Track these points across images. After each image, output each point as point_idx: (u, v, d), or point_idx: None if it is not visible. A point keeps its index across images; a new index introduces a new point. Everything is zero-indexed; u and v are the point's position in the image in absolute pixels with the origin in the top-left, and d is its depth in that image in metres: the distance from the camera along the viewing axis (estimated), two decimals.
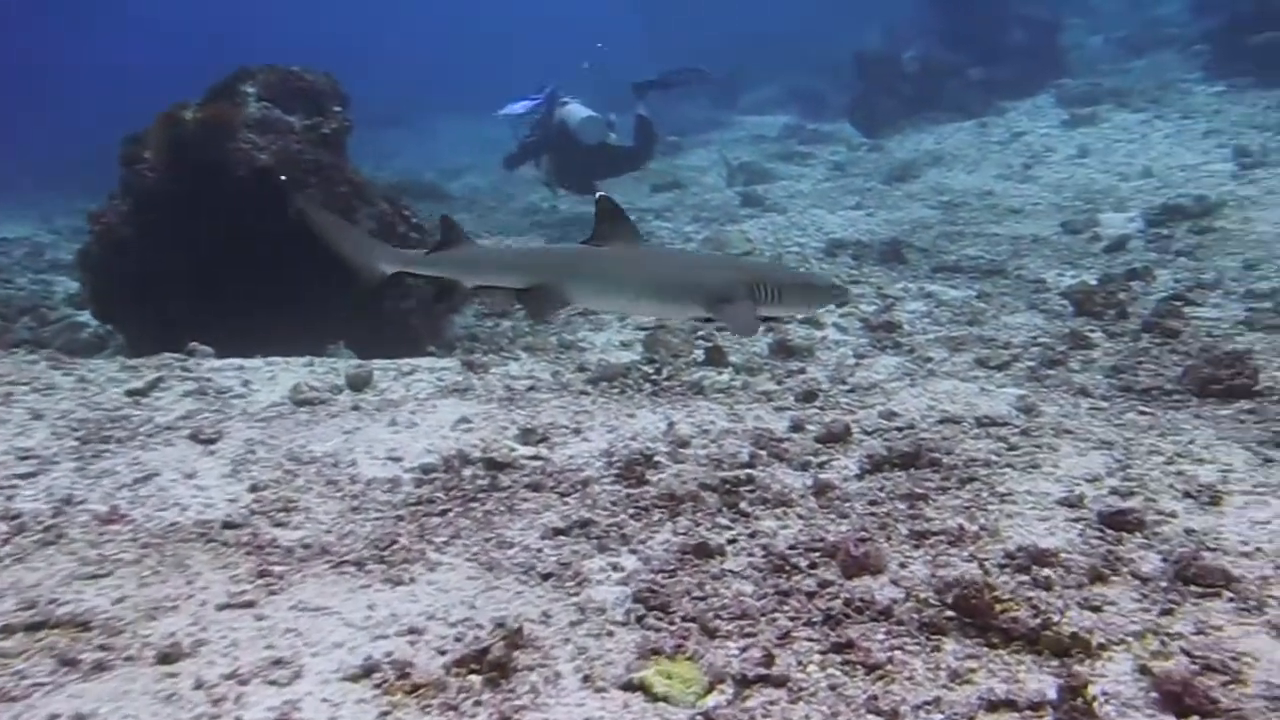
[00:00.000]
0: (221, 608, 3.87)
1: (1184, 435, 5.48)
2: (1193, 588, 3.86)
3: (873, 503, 4.93)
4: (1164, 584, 3.90)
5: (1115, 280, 8.81)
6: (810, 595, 4.03)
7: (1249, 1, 16.96)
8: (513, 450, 5.68)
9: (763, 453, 5.67)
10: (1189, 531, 4.35)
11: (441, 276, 5.28)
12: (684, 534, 4.66)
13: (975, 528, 4.53)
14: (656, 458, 5.62)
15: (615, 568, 4.35)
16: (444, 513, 4.89)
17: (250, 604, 3.90)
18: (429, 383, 6.98)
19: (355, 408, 6.33)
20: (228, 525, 4.63)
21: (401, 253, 5.53)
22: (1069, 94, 17.01)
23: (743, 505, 4.96)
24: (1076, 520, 4.56)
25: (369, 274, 5.37)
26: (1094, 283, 8.80)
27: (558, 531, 4.70)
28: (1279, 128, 13.11)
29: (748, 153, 18.62)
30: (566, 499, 5.10)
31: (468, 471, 5.39)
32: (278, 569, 4.20)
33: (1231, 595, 3.80)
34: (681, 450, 5.78)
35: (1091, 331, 7.57)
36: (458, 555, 4.44)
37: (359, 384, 6.78)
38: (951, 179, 13.90)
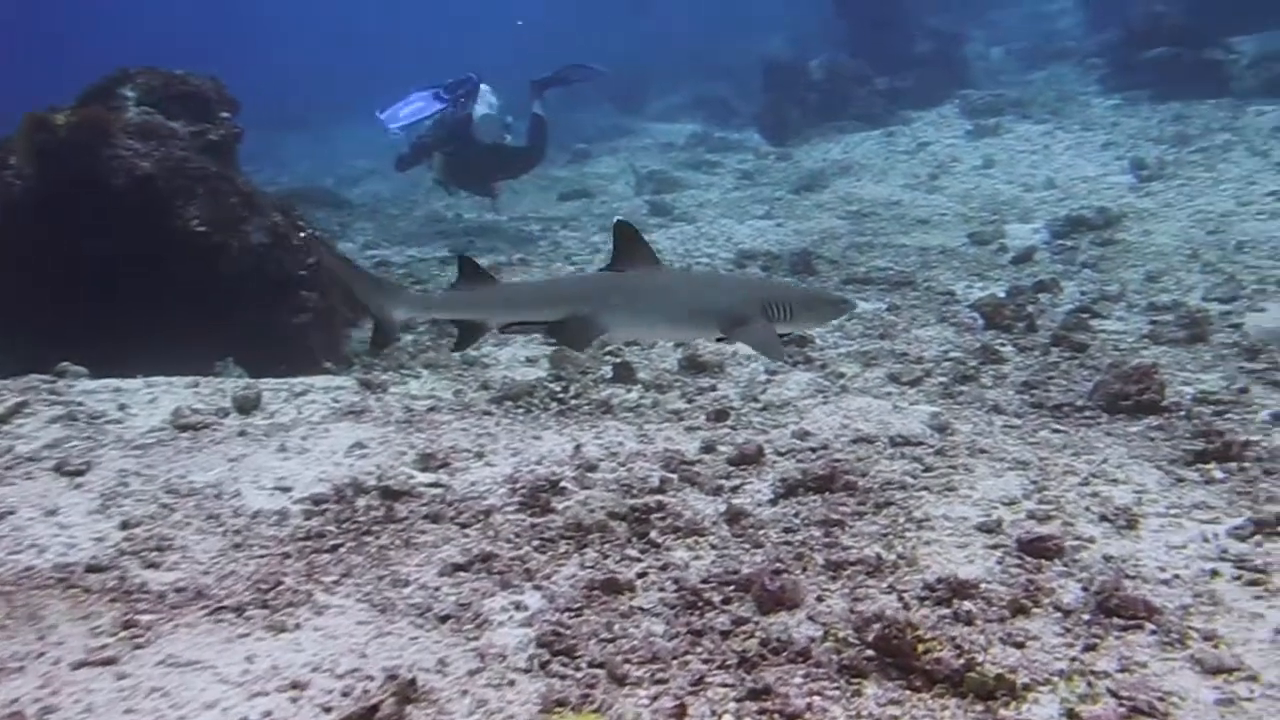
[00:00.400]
0: (77, 666, 3.50)
1: (1097, 454, 5.42)
2: (1115, 620, 3.74)
3: (787, 530, 4.76)
4: (1086, 616, 3.78)
5: (1024, 292, 8.82)
6: (725, 634, 3.82)
7: (1141, 18, 17.40)
8: (410, 477, 5.38)
9: (673, 477, 5.47)
10: (1107, 558, 4.25)
11: (467, 319, 5.06)
12: (592, 567, 4.44)
13: (893, 556, 4.38)
14: (563, 483, 5.38)
15: (518, 607, 4.09)
16: (335, 548, 4.57)
17: (111, 661, 3.54)
18: (323, 404, 6.61)
19: (242, 433, 5.95)
20: (92, 569, 4.24)
21: (421, 296, 5.41)
22: (972, 104, 17.20)
23: (653, 535, 4.75)
24: (995, 547, 4.43)
25: (388, 320, 5.17)
26: (1003, 295, 8.80)
27: (457, 567, 4.43)
28: (1173, 141, 13.38)
29: (656, 161, 18.45)
30: (467, 530, 4.83)
31: (362, 502, 5.08)
32: (146, 618, 3.83)
33: (1154, 627, 3.69)
34: (589, 475, 5.55)
35: (1002, 345, 7.53)
36: (348, 596, 4.13)
37: (247, 406, 6.38)
38: (860, 189, 13.90)
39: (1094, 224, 10.30)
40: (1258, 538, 4.35)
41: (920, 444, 5.76)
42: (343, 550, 4.55)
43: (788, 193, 14.31)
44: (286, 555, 4.46)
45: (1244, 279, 8.48)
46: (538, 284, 5.24)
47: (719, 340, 5.22)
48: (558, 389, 7.15)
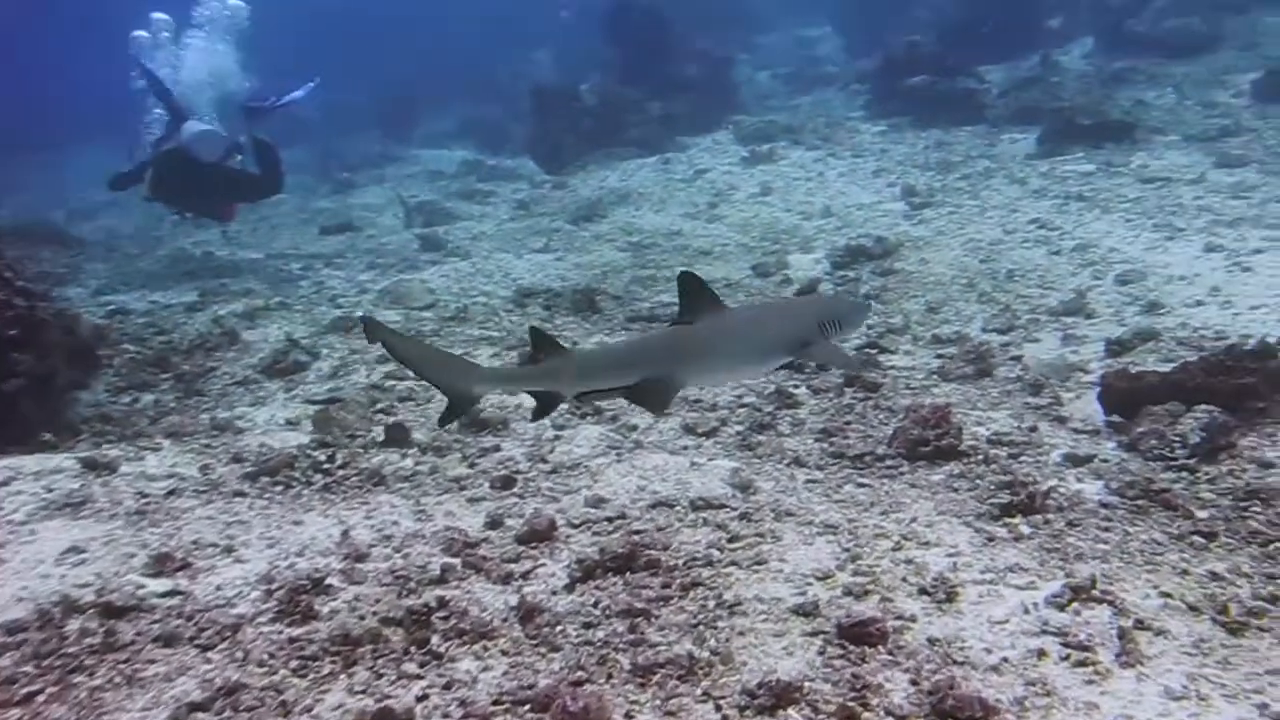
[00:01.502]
0: None
1: (905, 512, 5.17)
2: None
3: (587, 625, 4.26)
4: None
5: None
6: None
7: (899, 46, 17.98)
8: (140, 587, 4.57)
9: (456, 563, 4.90)
10: (932, 641, 3.95)
11: (543, 390, 4.82)
12: (362, 692, 3.81)
13: (706, 654, 3.94)
14: (328, 580, 4.72)
15: None
16: (29, 698, 3.74)
17: None
18: (32, 495, 5.60)
19: None
20: None
21: (496, 371, 5.14)
22: (746, 131, 17.24)
23: (435, 642, 4.17)
24: (814, 634, 4.07)
25: (464, 399, 4.88)
26: None
27: (195, 707, 3.71)
28: (939, 168, 13.71)
29: (426, 190, 17.54)
30: (210, 654, 4.09)
31: (74, 625, 4.24)
32: None
33: None
34: (359, 566, 4.90)
35: (795, 388, 7.28)
36: None
37: None
38: (639, 218, 13.56)
39: (873, 253, 10.31)
40: (1075, 605, 4.17)
41: (723, 507, 5.39)
42: (41, 699, 3.71)
43: (566, 223, 13.83)
44: None
45: (1018, 309, 8.60)
46: (611, 349, 5.54)
47: (785, 366, 5.25)
48: (322, 458, 6.38)
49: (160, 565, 4.79)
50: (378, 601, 4.50)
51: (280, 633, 4.23)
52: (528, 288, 10.50)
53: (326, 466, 6.28)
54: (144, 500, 5.64)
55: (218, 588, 4.65)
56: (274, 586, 4.61)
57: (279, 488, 5.96)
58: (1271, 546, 4.66)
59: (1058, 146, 13.62)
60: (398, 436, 6.71)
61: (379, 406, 7.33)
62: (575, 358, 4.86)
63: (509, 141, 20.99)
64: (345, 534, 5.24)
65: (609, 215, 13.89)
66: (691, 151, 17.06)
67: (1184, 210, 10.51)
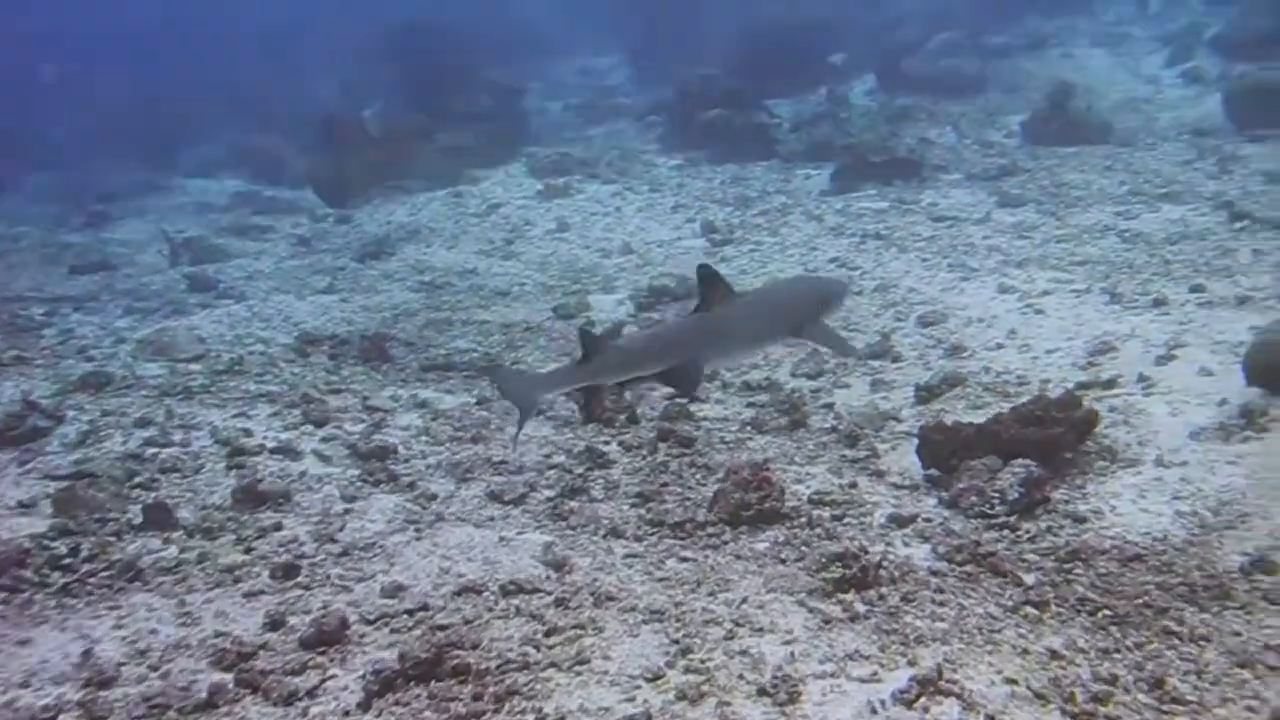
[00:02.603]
0: None
1: (734, 590, 4.80)
2: None
3: None
4: None
5: None
6: None
7: (694, 80, 17.93)
8: None
9: (228, 679, 4.25)
10: None
11: (590, 385, 5.40)
12: None
13: None
14: (61, 718, 3.91)
15: None
16: None
17: None
18: None
19: None
20: None
21: (552, 376, 5.65)
22: (540, 163, 16.74)
23: None
24: None
25: (529, 406, 5.56)
26: None
27: None
28: (737, 203, 13.61)
29: (193, 224, 16.07)
30: None
31: None
32: None
33: None
34: (103, 695, 4.19)
35: (606, 444, 6.84)
36: None
37: None
38: (431, 256, 12.85)
39: (676, 294, 10.01)
40: (923, 700, 3.87)
41: (536, 591, 4.92)
42: None
43: (351, 260, 12.97)
44: None
45: (825, 353, 8.46)
46: (647, 338, 6.05)
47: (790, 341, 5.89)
48: (63, 550, 5.48)
49: None
50: None
51: None
52: (311, 333, 9.68)
53: (68, 561, 5.38)
54: None
55: None
56: None
57: (3, 595, 5.04)
58: (1100, 615, 4.52)
59: (850, 183, 13.82)
60: (159, 517, 5.87)
61: (137, 481, 6.42)
62: (621, 352, 5.29)
63: (287, 171, 19.71)
64: (88, 652, 4.45)
65: (398, 252, 13.15)
66: (484, 185, 16.44)
67: (975, 250, 10.74)
